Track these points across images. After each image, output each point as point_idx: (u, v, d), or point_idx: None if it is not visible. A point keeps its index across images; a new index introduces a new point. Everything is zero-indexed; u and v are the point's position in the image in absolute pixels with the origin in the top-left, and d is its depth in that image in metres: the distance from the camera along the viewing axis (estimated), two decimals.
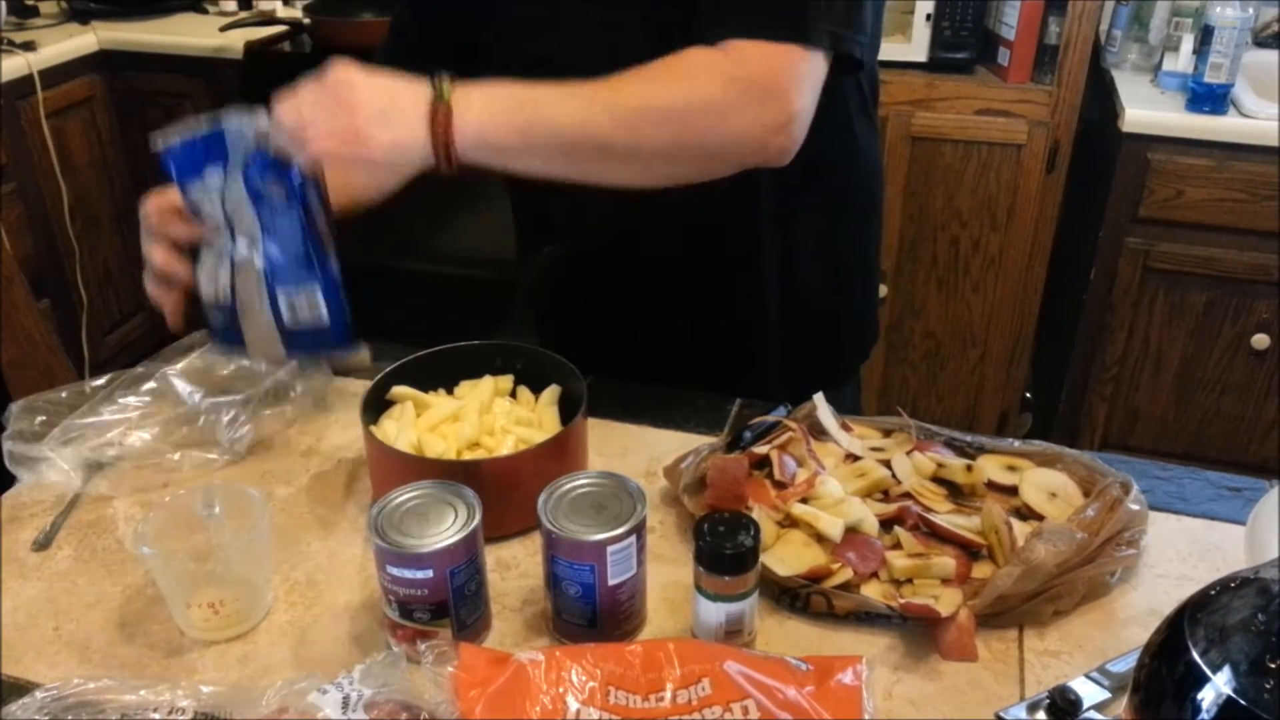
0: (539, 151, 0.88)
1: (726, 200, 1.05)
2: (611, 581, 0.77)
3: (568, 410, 0.98)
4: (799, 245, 1.12)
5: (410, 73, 0.88)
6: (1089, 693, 0.74)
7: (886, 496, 0.92)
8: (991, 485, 0.93)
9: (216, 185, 0.89)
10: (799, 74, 0.88)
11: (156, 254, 0.94)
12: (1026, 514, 0.90)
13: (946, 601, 0.80)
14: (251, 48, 2.54)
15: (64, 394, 1.03)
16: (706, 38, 0.89)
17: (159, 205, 0.94)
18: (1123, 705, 0.59)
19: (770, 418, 0.99)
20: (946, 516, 0.88)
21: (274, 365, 1.04)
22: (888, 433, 1.00)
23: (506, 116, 0.86)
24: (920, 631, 0.80)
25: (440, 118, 0.84)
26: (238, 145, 0.88)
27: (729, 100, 0.87)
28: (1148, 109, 2.08)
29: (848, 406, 1.08)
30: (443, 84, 0.85)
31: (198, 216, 0.91)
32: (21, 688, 0.76)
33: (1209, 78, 2.02)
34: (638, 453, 1.02)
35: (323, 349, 0.97)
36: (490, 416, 0.97)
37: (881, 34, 1.10)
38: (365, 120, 0.83)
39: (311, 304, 0.92)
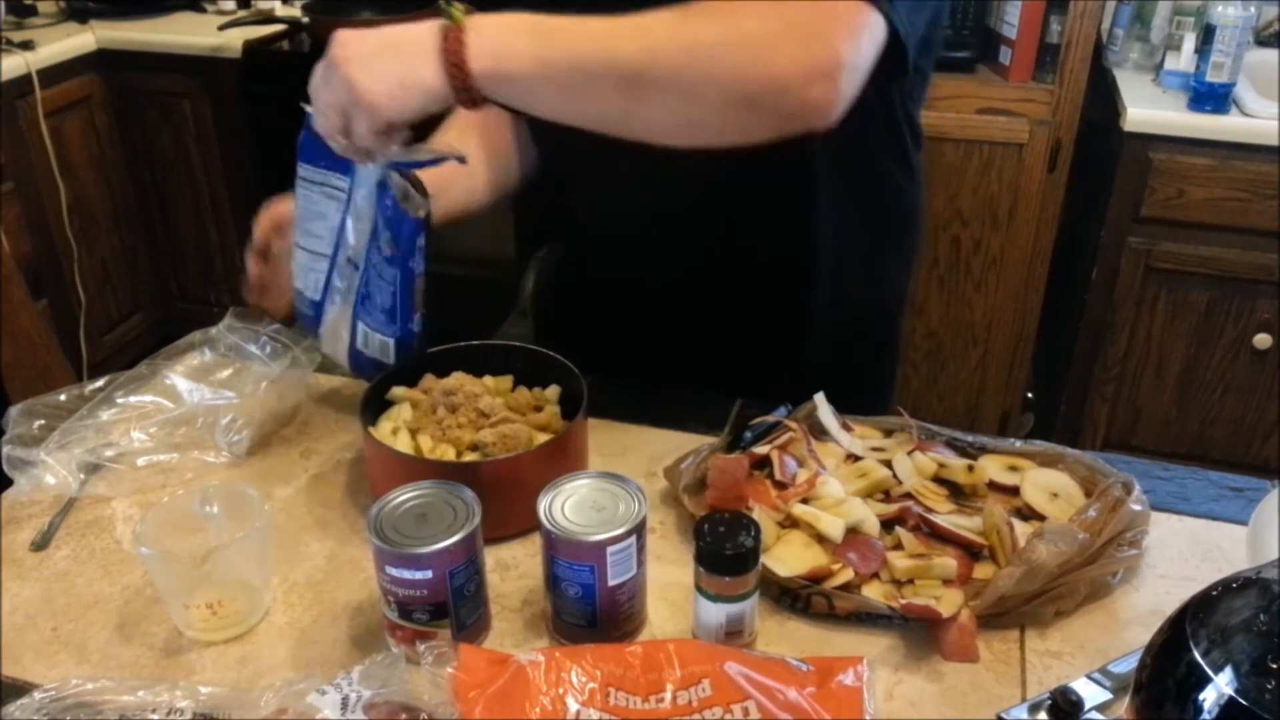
0: (558, 82, 0.80)
1: (739, 204, 1.04)
2: (611, 582, 0.76)
3: (568, 410, 0.98)
4: (813, 256, 1.11)
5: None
6: (1090, 693, 0.73)
7: (888, 497, 0.91)
8: (993, 485, 0.93)
9: (340, 192, 0.93)
10: (853, 22, 0.79)
11: (252, 266, 0.99)
12: (1028, 514, 0.90)
13: (948, 602, 0.80)
14: (250, 47, 2.54)
15: (63, 397, 1.03)
16: None
17: (270, 220, 0.99)
18: (1124, 706, 0.58)
19: (771, 418, 0.98)
20: (948, 517, 0.88)
21: (338, 362, 1.04)
22: (889, 433, 1.00)
23: (525, 43, 0.79)
24: (921, 632, 0.80)
25: (452, 44, 0.78)
26: (363, 174, 0.91)
27: (772, 35, 0.78)
28: (1149, 108, 2.07)
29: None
30: (453, 10, 0.79)
31: (306, 200, 0.96)
32: (20, 688, 0.76)
33: (1211, 77, 2.01)
34: (638, 453, 1.02)
35: (377, 370, 0.99)
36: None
37: (931, 69, 1.10)
38: (359, 74, 0.78)
39: (383, 347, 0.96)
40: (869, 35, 0.81)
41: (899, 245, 1.17)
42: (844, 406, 1.01)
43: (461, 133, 1.12)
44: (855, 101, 0.82)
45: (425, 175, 0.92)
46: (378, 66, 0.79)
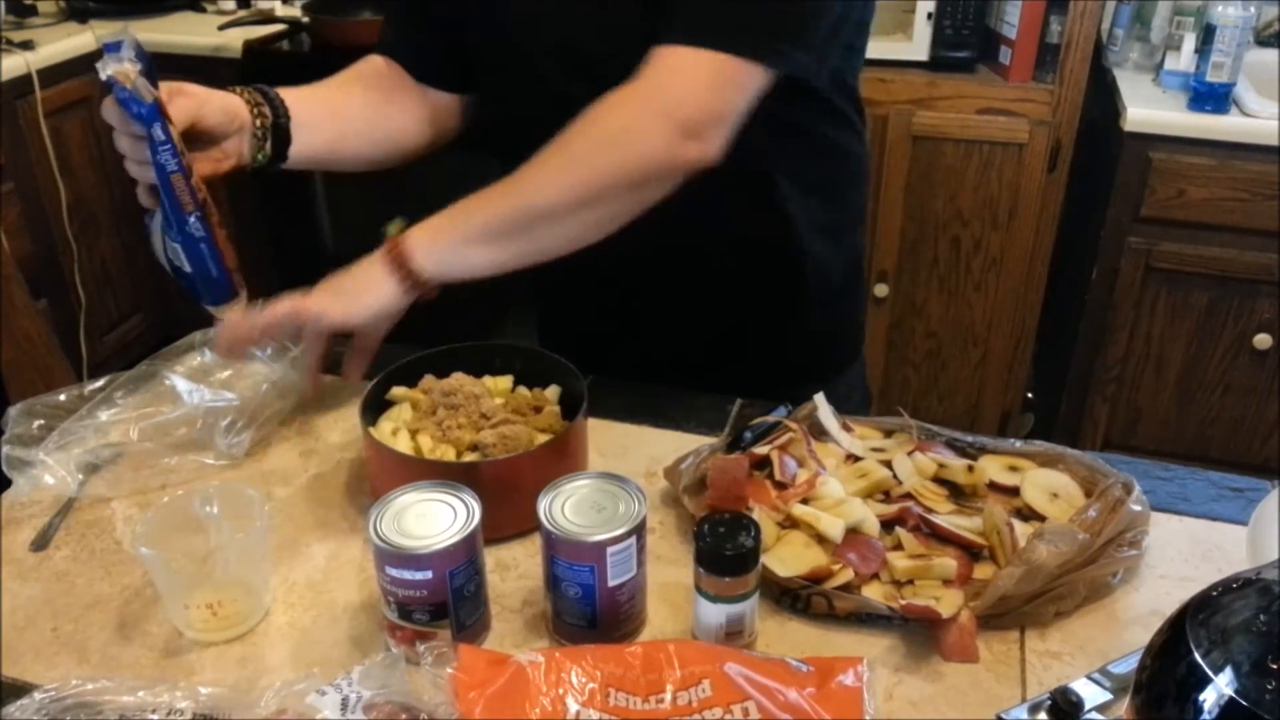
0: (487, 249, 0.95)
1: (725, 204, 1.05)
2: (611, 582, 0.76)
3: (568, 410, 0.98)
4: (798, 248, 1.12)
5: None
6: (1090, 694, 0.73)
7: (888, 497, 0.91)
8: (993, 486, 0.93)
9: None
10: (723, 81, 0.91)
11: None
12: (1028, 514, 0.90)
13: (948, 602, 0.80)
14: (250, 47, 2.54)
15: (63, 397, 1.03)
16: (660, 38, 0.92)
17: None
18: (1124, 706, 0.58)
19: (771, 418, 0.98)
20: (948, 517, 0.88)
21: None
22: (889, 433, 1.00)
23: (446, 221, 0.95)
24: (921, 633, 0.80)
25: (391, 247, 0.93)
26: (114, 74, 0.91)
27: (634, 124, 0.91)
28: (1149, 108, 2.08)
29: (851, 406, 1.08)
30: (389, 227, 0.95)
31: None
32: (20, 689, 0.76)
33: (1211, 77, 2.02)
34: (638, 453, 1.02)
35: (195, 295, 1.01)
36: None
37: (867, 40, 1.11)
38: (322, 299, 0.94)
39: (175, 252, 0.98)
40: (744, 88, 0.92)
41: (850, 204, 1.20)
42: (806, 375, 1.01)
43: (345, 85, 1.13)
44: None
45: (295, 110, 1.04)
46: (344, 299, 0.95)
